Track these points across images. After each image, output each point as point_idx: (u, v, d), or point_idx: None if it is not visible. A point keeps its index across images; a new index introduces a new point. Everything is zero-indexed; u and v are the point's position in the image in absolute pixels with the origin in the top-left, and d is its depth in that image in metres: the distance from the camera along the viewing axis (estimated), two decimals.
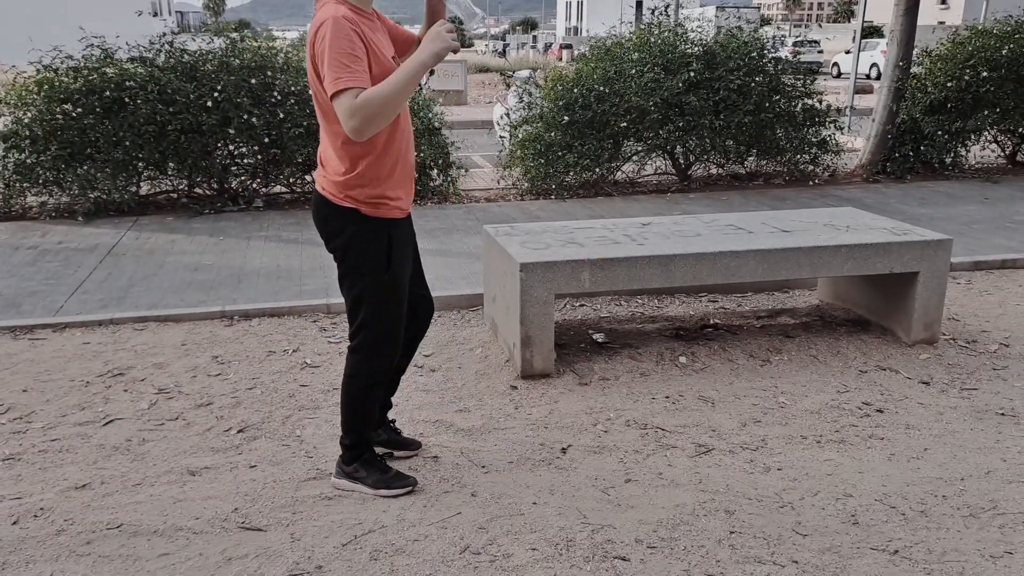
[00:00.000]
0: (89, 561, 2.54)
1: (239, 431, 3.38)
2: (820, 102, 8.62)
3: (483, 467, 3.08)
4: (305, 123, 7.23)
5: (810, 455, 3.17)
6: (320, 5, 2.54)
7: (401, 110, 2.52)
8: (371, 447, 2.94)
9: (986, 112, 8.85)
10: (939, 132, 8.83)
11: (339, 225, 2.66)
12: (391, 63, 2.57)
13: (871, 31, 40.31)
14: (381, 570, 2.49)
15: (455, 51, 2.54)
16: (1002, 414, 3.50)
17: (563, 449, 3.21)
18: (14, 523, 2.73)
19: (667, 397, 3.67)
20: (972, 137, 9.09)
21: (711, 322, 4.60)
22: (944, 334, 4.38)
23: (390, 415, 3.26)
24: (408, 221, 2.81)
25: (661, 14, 8.90)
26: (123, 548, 2.60)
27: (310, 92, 7.16)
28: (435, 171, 7.84)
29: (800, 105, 8.48)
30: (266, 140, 7.19)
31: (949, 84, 8.72)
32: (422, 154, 7.62)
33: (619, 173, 8.66)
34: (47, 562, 2.53)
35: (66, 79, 7.00)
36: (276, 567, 2.51)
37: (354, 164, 2.60)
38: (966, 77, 8.69)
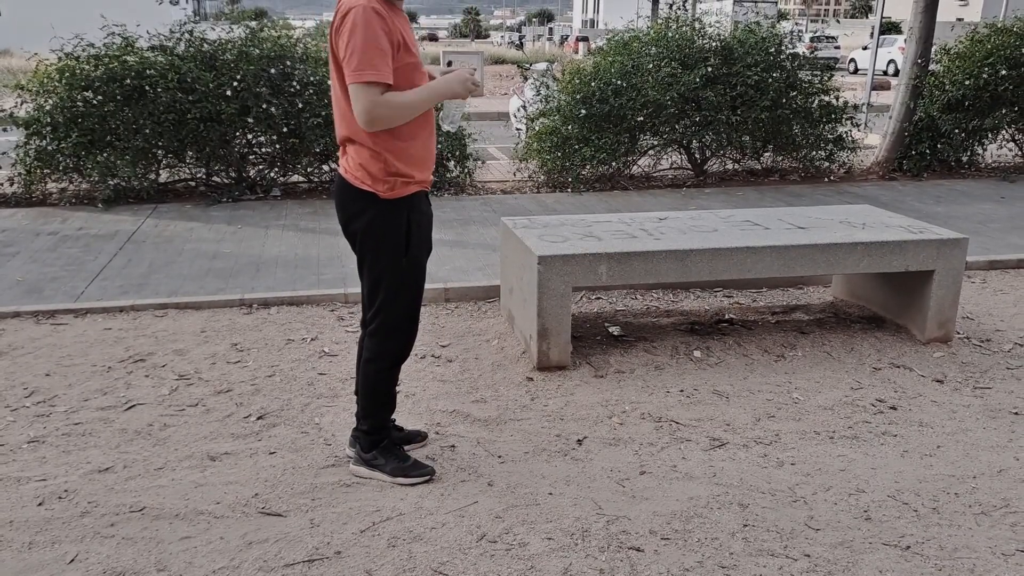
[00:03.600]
0: (113, 543, 2.59)
1: (258, 418, 3.43)
2: (837, 98, 8.59)
3: (499, 457, 3.12)
4: (323, 113, 7.27)
5: (823, 451, 3.19)
6: None
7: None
8: (390, 434, 2.98)
9: (1004, 111, 8.79)
10: (956, 130, 8.79)
11: (359, 208, 2.69)
12: (419, 56, 2.63)
13: (889, 27, 39.97)
14: (399, 556, 2.53)
15: (465, 97, 2.71)
16: (1015, 413, 3.51)
17: (579, 440, 3.25)
18: (39, 504, 2.79)
19: (682, 391, 3.70)
20: (989, 135, 9.04)
21: (726, 317, 4.61)
22: (958, 333, 4.39)
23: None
24: (427, 203, 2.84)
25: (679, 8, 8.88)
26: (146, 531, 2.66)
27: (328, 80, 7.20)
28: (452, 162, 7.87)
29: (817, 101, 8.45)
30: (284, 130, 7.24)
31: (967, 82, 8.67)
32: (439, 145, 7.65)
33: (635, 167, 8.66)
34: (72, 543, 2.59)
35: (87, 67, 7.07)
36: (296, 552, 2.55)
37: (378, 144, 2.63)
38: (984, 75, 8.64)
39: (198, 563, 2.50)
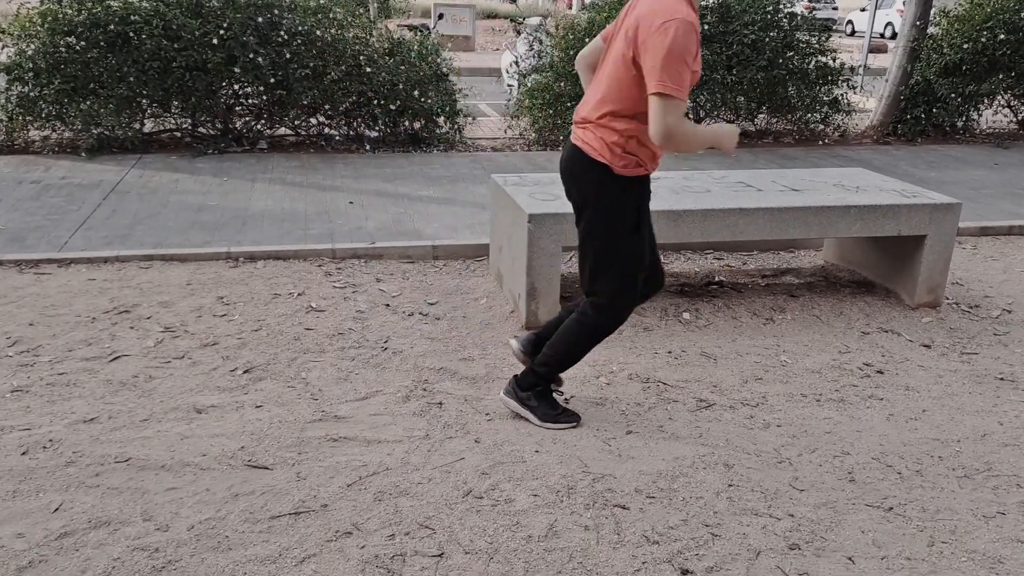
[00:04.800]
0: (98, 493, 2.58)
1: (245, 371, 3.41)
2: (834, 60, 8.50)
3: (486, 415, 3.12)
4: (311, 64, 7.13)
5: (809, 413, 3.21)
6: None
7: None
8: (549, 385, 3.03)
9: (1001, 76, 8.73)
10: (952, 95, 8.73)
11: (593, 179, 2.72)
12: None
13: None
14: (385, 511, 2.54)
15: (728, 151, 2.71)
16: (1001, 379, 3.54)
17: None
18: (23, 453, 2.78)
19: (670, 352, 3.70)
20: (985, 101, 8.98)
21: (716, 279, 4.60)
22: (947, 298, 4.40)
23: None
24: (648, 183, 2.85)
25: None
26: (131, 481, 2.65)
27: (317, 31, 7.04)
28: (442, 118, 7.77)
29: (813, 63, 8.36)
30: (272, 81, 7.10)
31: (965, 46, 8.58)
32: (430, 100, 7.53)
33: None
34: (57, 492, 2.58)
35: (70, 11, 6.87)
36: (282, 504, 2.55)
37: (627, 134, 2.66)
38: (983, 39, 8.55)
39: (184, 514, 2.49)
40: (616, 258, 2.78)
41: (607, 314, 2.86)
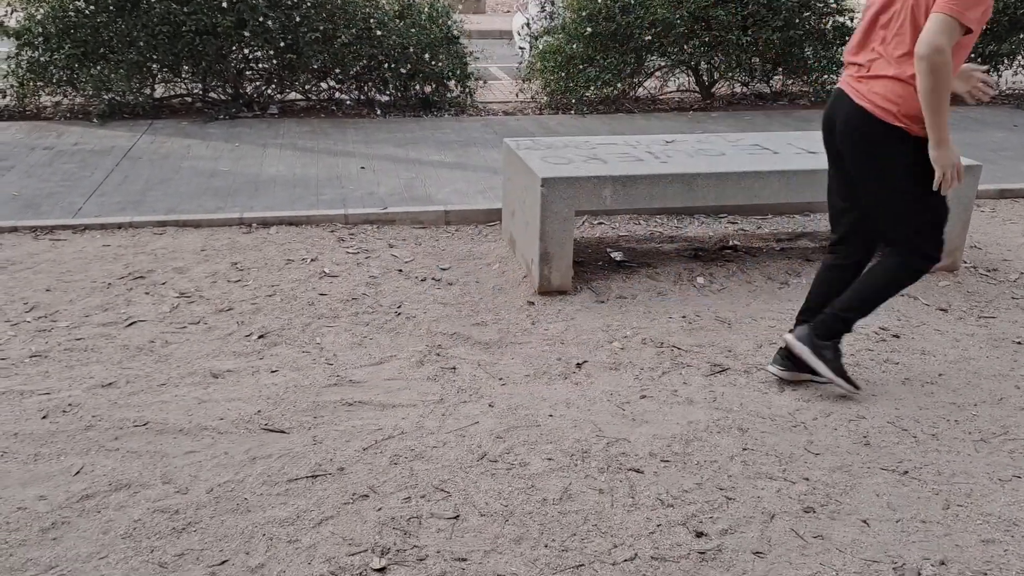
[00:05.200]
0: (118, 456, 2.62)
1: (260, 337, 3.43)
2: (851, 20, 8.33)
3: (500, 379, 3.13)
4: (321, 27, 7.05)
5: None
6: None
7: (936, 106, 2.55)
8: (843, 335, 2.99)
9: (1022, 36, 8.54)
10: (972, 55, 8.55)
11: (892, 147, 2.69)
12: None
13: None
14: (401, 474, 2.56)
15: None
16: (1018, 343, 3.51)
17: (579, 364, 3.25)
18: (44, 417, 2.81)
19: (684, 317, 3.69)
20: (1005, 61, 8.80)
21: (730, 243, 4.57)
22: (965, 262, 4.35)
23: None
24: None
25: None
26: (150, 445, 2.68)
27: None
28: (453, 82, 7.70)
29: (831, 22, 8.19)
30: (281, 44, 7.04)
31: None
32: (440, 64, 7.46)
33: (640, 89, 8.46)
34: (77, 455, 2.62)
35: None
36: (299, 467, 2.58)
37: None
38: None
39: (203, 476, 2.52)
40: (919, 219, 2.77)
41: (919, 264, 2.83)
